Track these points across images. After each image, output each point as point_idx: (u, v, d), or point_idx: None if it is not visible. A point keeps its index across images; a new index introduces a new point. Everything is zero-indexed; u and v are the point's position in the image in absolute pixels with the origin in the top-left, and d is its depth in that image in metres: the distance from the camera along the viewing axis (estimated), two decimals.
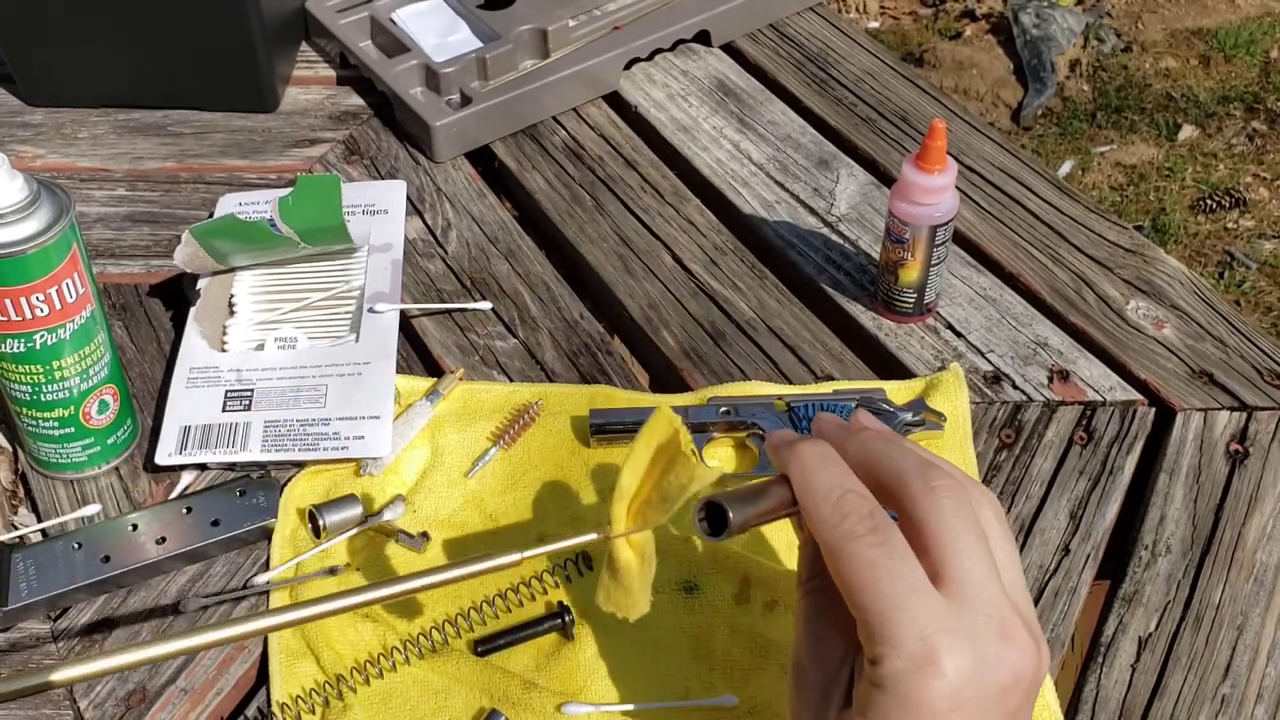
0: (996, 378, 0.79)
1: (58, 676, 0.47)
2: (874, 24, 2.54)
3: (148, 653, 0.48)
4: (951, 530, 0.48)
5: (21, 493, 0.75)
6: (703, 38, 1.07)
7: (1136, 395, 0.78)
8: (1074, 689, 0.65)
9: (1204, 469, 0.74)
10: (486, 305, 0.85)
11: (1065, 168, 2.20)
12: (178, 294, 0.86)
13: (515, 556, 0.54)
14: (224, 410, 0.75)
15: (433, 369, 0.81)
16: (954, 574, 0.47)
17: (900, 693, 0.45)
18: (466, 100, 0.97)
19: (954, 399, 0.76)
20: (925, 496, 0.48)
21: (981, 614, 0.46)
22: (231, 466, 0.75)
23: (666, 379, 0.82)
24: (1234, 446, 0.75)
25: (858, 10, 2.56)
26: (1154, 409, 0.77)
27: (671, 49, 1.06)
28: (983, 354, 0.81)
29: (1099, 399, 0.78)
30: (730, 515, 0.50)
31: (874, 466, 0.50)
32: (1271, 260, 2.01)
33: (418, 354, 0.83)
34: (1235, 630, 0.66)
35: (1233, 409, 0.77)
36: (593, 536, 0.54)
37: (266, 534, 0.71)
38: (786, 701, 0.53)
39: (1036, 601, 0.68)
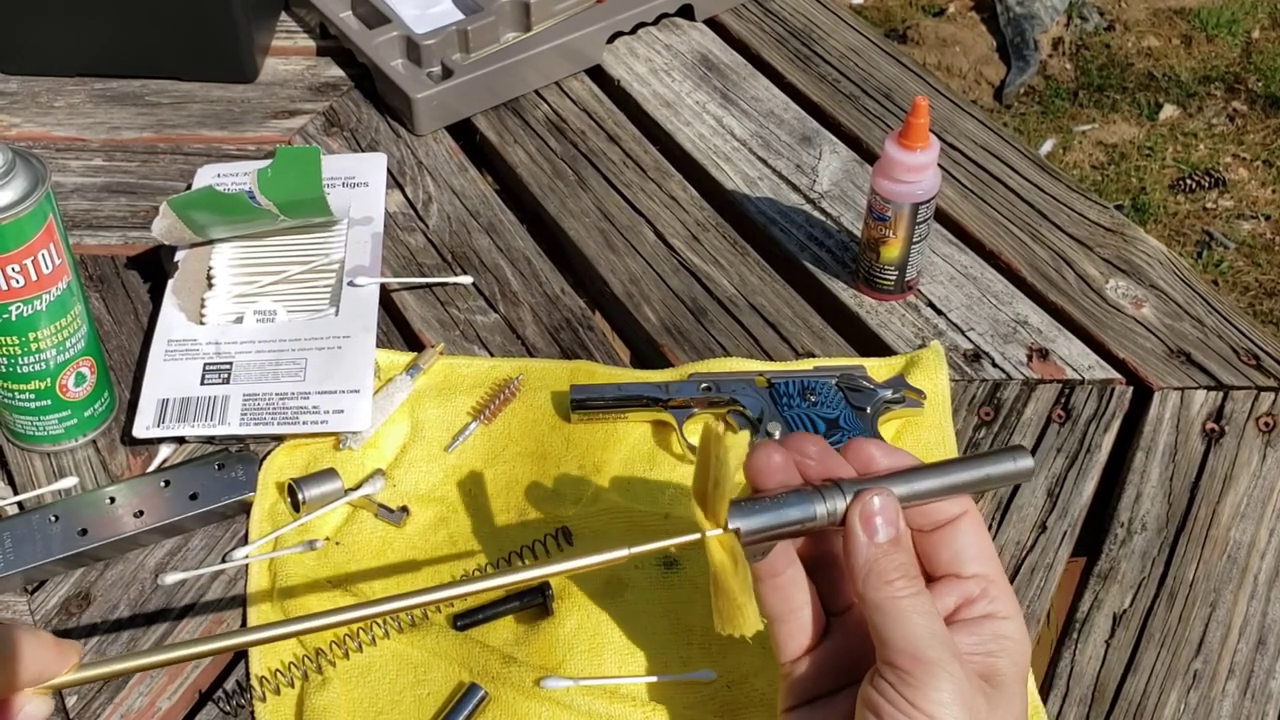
0: (976, 355, 0.80)
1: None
2: (858, 0, 2.53)
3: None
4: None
5: None
6: (686, 11, 1.06)
7: (1114, 374, 0.79)
8: (1049, 664, 0.65)
9: (1180, 448, 0.74)
10: (467, 279, 0.84)
11: (1047, 146, 2.20)
12: (156, 266, 0.86)
13: (623, 553, 0.53)
14: (202, 383, 0.75)
15: (413, 343, 0.81)
16: None
17: None
18: (448, 73, 0.97)
19: (934, 376, 0.76)
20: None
21: None
22: (210, 440, 0.74)
23: (647, 355, 0.82)
24: (1210, 426, 0.76)
25: None
26: (1131, 388, 0.78)
27: (654, 23, 1.06)
28: (963, 332, 0.81)
29: (1077, 378, 0.78)
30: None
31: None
32: (1249, 240, 2.02)
33: (398, 328, 0.82)
34: (1208, 607, 0.67)
35: (1209, 388, 0.78)
36: (694, 537, 0.53)
37: (245, 508, 0.71)
38: None
39: (1013, 579, 0.68)
